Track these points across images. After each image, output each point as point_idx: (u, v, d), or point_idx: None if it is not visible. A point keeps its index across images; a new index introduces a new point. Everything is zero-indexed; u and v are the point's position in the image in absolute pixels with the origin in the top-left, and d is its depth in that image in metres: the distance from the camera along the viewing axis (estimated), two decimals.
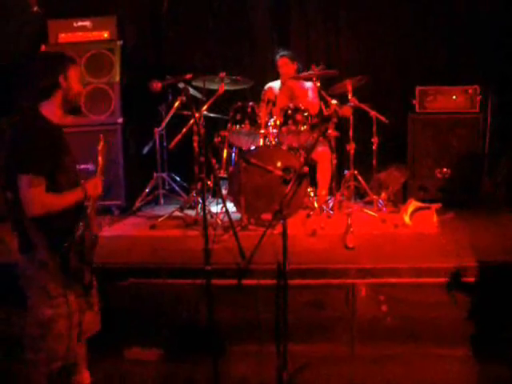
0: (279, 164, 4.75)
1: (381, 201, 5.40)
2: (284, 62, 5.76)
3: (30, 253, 2.65)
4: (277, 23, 6.82)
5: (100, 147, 2.97)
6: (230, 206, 5.18)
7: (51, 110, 2.72)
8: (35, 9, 6.39)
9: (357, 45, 6.58)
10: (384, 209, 5.29)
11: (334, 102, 5.06)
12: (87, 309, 2.84)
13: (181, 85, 5.27)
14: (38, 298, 2.67)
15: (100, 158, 2.97)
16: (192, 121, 4.97)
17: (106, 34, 5.95)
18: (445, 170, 5.75)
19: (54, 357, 2.68)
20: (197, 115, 5.10)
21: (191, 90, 5.39)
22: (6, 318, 3.91)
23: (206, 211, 4.95)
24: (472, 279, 3.69)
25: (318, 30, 6.73)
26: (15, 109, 2.80)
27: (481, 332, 3.61)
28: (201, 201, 5.07)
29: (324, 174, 5.39)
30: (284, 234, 3.11)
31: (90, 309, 2.85)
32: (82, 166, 5.65)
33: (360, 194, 5.79)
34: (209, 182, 5.43)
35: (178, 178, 6.34)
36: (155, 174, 5.97)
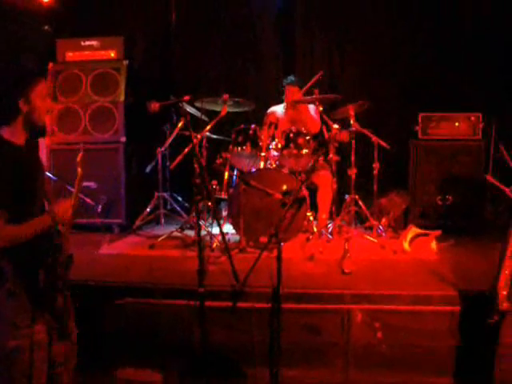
0: (279, 187, 4.75)
1: (381, 226, 5.38)
2: (293, 90, 5.75)
3: None
4: (282, 47, 6.89)
5: (79, 158, 2.85)
6: (230, 228, 5.20)
7: (13, 134, 2.59)
8: (46, 28, 6.51)
9: (360, 71, 6.64)
10: (384, 234, 5.27)
11: (335, 126, 5.10)
12: (60, 339, 2.72)
13: (185, 106, 5.33)
14: (2, 328, 2.54)
15: (79, 169, 2.85)
16: (195, 142, 4.99)
17: (112, 54, 6.03)
18: (446, 196, 5.73)
19: None
20: (198, 136, 5.15)
21: (194, 111, 5.44)
22: None
23: (206, 232, 4.99)
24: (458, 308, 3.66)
25: (323, 55, 6.82)
26: None
27: (469, 362, 3.56)
28: (200, 222, 5.09)
29: (325, 198, 5.38)
30: (278, 257, 3.09)
31: (63, 338, 2.74)
32: (84, 184, 5.70)
33: (361, 219, 5.77)
34: (209, 204, 5.43)
35: (179, 198, 6.36)
36: (156, 194, 5.99)
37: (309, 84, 5.49)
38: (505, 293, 2.67)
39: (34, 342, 2.55)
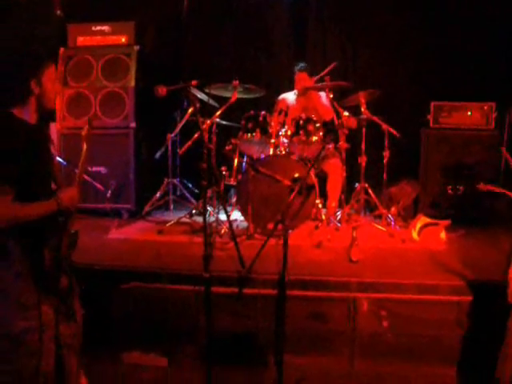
0: (289, 174, 4.72)
1: (390, 215, 5.35)
2: (303, 76, 5.74)
3: (3, 262, 2.53)
4: (294, 34, 6.85)
5: (84, 132, 2.88)
6: (238, 215, 5.20)
7: (26, 114, 2.60)
8: (58, 12, 6.50)
9: (372, 58, 6.57)
10: (393, 223, 5.24)
11: (345, 113, 5.07)
12: (66, 320, 2.72)
13: (195, 91, 5.32)
14: (10, 309, 2.54)
15: (84, 145, 2.88)
16: (202, 128, 4.98)
17: (123, 39, 6.02)
18: (457, 186, 5.68)
19: (23, 372, 2.54)
20: (208, 122, 5.14)
21: (204, 97, 5.42)
22: None
23: (214, 218, 5.00)
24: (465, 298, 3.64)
25: (335, 42, 6.76)
26: None
27: (476, 353, 3.54)
28: (209, 208, 5.10)
29: (334, 186, 5.35)
30: (285, 243, 3.08)
31: (69, 320, 2.74)
32: (94, 169, 5.72)
33: (370, 208, 5.74)
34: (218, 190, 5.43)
35: (189, 185, 6.36)
36: (166, 180, 5.99)
37: (322, 73, 5.44)
38: None
39: (42, 322, 2.55)
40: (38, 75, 2.58)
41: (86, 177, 5.07)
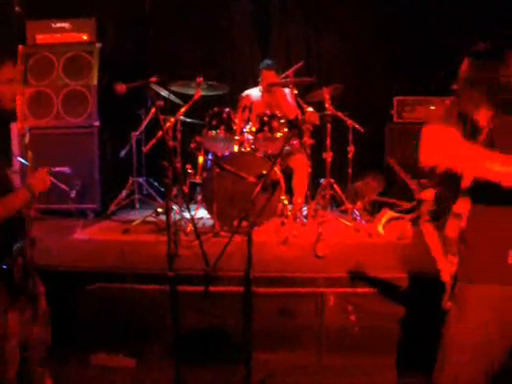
0: (253, 171, 4.71)
1: (356, 210, 5.38)
2: (270, 74, 5.69)
3: None
4: (258, 29, 6.86)
5: (27, 140, 2.88)
6: (205, 213, 5.17)
7: None
8: (16, 9, 6.36)
9: (337, 53, 6.62)
10: (359, 218, 5.28)
11: (309, 109, 5.08)
12: (32, 322, 2.72)
13: (157, 88, 5.27)
14: None
15: (29, 152, 2.86)
16: (166, 126, 4.95)
17: (85, 36, 5.92)
18: (422, 180, 5.73)
19: None
20: (172, 120, 5.10)
21: (168, 94, 5.37)
22: None
23: (180, 217, 4.96)
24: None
25: (299, 37, 6.78)
26: None
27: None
28: (175, 206, 5.06)
29: (300, 182, 5.36)
30: (249, 240, 3.07)
31: (34, 321, 2.73)
32: (57, 169, 5.56)
33: (336, 203, 5.78)
34: (183, 188, 5.40)
35: (155, 183, 6.32)
36: (131, 179, 5.93)
37: (288, 72, 5.41)
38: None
39: (7, 329, 2.52)
40: None
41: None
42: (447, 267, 2.45)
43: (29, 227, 2.68)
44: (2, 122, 2.80)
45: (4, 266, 2.48)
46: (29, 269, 2.64)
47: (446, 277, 2.45)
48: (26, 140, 2.84)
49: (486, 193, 2.17)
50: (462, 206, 2.38)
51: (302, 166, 5.34)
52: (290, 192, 5.37)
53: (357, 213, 5.35)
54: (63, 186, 5.45)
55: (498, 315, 2.26)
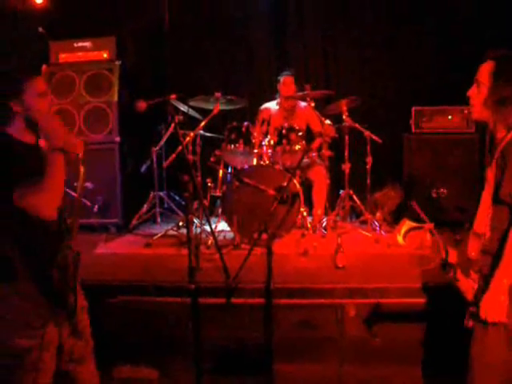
0: (273, 184, 4.76)
1: (375, 221, 5.39)
2: (289, 80, 5.75)
3: (10, 281, 2.50)
4: (275, 44, 6.91)
5: (81, 155, 2.85)
6: (225, 226, 5.22)
7: (20, 133, 2.56)
8: (40, 30, 6.52)
9: (354, 66, 6.66)
10: (378, 229, 5.28)
11: (327, 121, 5.12)
12: (73, 335, 2.72)
13: (177, 104, 5.36)
14: (15, 328, 2.51)
15: (81, 168, 2.84)
16: (185, 141, 5.04)
17: (105, 54, 6.04)
18: (441, 190, 5.74)
19: None
20: (192, 135, 5.18)
21: (187, 110, 5.46)
22: None
23: (201, 230, 5.02)
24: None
25: (316, 51, 6.83)
26: None
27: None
28: (196, 220, 5.12)
29: (320, 194, 5.40)
30: (269, 252, 3.13)
31: (75, 336, 2.72)
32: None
33: (356, 214, 5.79)
34: (204, 201, 5.45)
35: (176, 197, 6.39)
36: (152, 193, 6.01)
37: (313, 95, 5.43)
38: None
39: (44, 342, 2.53)
40: (19, 94, 2.53)
41: (72, 193, 5.07)
42: (470, 285, 2.44)
43: (72, 239, 2.68)
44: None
45: (46, 277, 2.48)
46: (69, 282, 2.62)
47: (469, 296, 2.43)
48: (80, 155, 2.83)
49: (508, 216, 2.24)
50: (482, 225, 2.39)
51: (320, 177, 5.39)
52: (309, 204, 5.40)
53: (376, 223, 5.36)
54: (86, 202, 5.55)
55: None
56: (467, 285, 2.45)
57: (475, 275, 2.44)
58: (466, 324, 2.41)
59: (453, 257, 2.45)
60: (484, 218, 2.39)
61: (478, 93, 2.37)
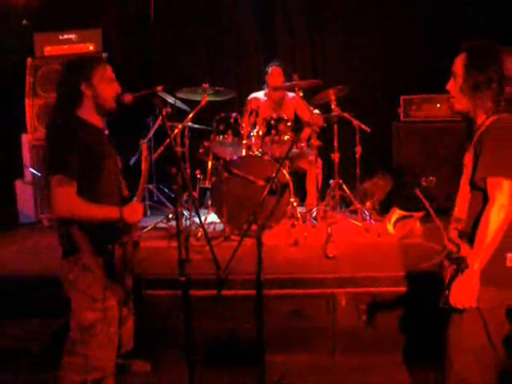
0: (262, 174, 4.74)
1: (365, 210, 5.40)
2: (278, 71, 5.73)
3: (73, 256, 2.62)
4: (262, 34, 6.89)
5: (144, 153, 3.15)
6: (215, 217, 5.21)
7: (88, 114, 2.73)
8: (24, 22, 6.45)
9: (341, 54, 6.65)
10: (368, 218, 5.29)
11: (315, 111, 5.10)
12: (125, 318, 2.87)
13: (164, 96, 5.32)
14: (80, 301, 2.65)
15: (144, 164, 3.09)
16: (173, 133, 5.02)
17: (91, 47, 6.00)
18: (430, 178, 5.73)
19: (91, 365, 2.63)
20: (180, 126, 5.15)
21: (175, 101, 5.42)
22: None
23: (190, 222, 5.00)
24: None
25: (304, 41, 6.82)
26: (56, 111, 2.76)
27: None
28: (185, 212, 5.11)
29: (313, 183, 5.42)
30: (258, 243, 3.09)
31: (127, 318, 2.89)
32: None
33: (346, 204, 5.80)
34: (194, 193, 5.43)
35: (166, 190, 6.36)
36: None
37: (301, 84, 5.40)
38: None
39: (107, 316, 2.65)
40: (87, 78, 2.69)
41: None
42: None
43: (134, 231, 2.84)
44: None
45: (106, 254, 2.62)
46: (128, 267, 2.80)
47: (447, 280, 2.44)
48: (144, 153, 2.98)
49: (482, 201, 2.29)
50: (462, 211, 2.47)
51: (312, 166, 5.38)
52: (299, 194, 5.40)
53: (366, 213, 5.36)
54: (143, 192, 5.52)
55: (495, 317, 2.32)
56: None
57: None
58: (441, 305, 2.43)
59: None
60: (463, 203, 2.43)
61: (456, 85, 2.46)
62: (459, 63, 2.43)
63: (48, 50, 6.02)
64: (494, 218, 2.20)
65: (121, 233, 2.71)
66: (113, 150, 2.90)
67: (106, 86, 2.76)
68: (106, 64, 2.81)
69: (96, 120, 2.77)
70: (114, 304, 2.69)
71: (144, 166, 3.03)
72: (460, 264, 2.34)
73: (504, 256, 2.29)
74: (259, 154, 5.04)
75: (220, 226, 5.18)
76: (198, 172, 5.37)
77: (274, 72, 5.74)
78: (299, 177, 5.46)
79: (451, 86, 2.49)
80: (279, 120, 5.04)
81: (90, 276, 2.62)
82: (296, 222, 5.05)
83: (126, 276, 2.83)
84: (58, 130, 2.63)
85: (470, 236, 2.34)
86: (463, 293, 2.27)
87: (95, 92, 2.71)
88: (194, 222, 5.04)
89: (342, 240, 4.59)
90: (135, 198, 2.87)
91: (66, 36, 6.01)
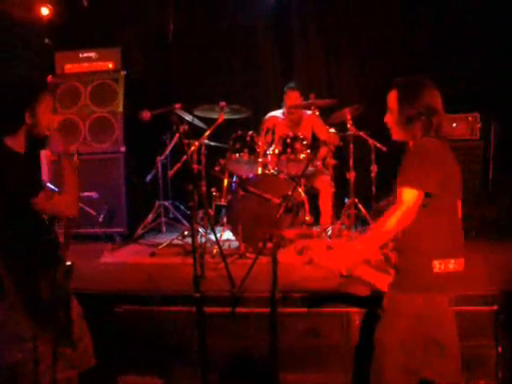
0: (277, 193, 4.76)
1: None
2: (295, 95, 5.74)
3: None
4: (280, 53, 6.95)
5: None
6: (231, 235, 5.22)
7: (15, 143, 2.64)
8: (46, 41, 6.57)
9: (357, 74, 6.68)
10: None
11: (331, 130, 5.12)
12: (78, 340, 2.79)
13: (182, 114, 5.38)
14: (7, 340, 2.57)
15: None
16: (190, 150, 5.06)
17: (110, 65, 6.10)
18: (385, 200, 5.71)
19: None
20: (196, 144, 5.20)
21: (192, 119, 5.47)
22: None
23: (206, 239, 5.02)
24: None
25: (320, 60, 6.87)
26: None
27: None
28: (201, 229, 5.13)
29: (326, 202, 5.41)
30: (273, 261, 3.11)
31: (71, 346, 2.75)
32: (86, 194, 5.73)
33: (361, 222, 5.78)
34: (209, 210, 5.45)
35: (181, 207, 6.40)
36: (157, 203, 6.02)
37: (319, 103, 5.45)
38: None
39: (37, 355, 2.57)
40: (33, 106, 2.62)
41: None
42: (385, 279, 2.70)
43: (65, 257, 2.74)
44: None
45: (33, 290, 2.54)
46: (60, 298, 2.68)
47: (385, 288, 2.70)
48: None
49: None
50: None
51: (325, 186, 5.38)
52: (314, 213, 5.39)
53: None
54: (91, 211, 5.57)
55: (423, 323, 2.47)
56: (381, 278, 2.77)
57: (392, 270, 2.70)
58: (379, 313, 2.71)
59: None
60: None
61: (392, 118, 2.71)
62: (392, 98, 2.67)
63: (68, 67, 6.15)
64: (393, 220, 2.45)
65: (49, 264, 2.65)
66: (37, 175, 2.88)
67: (46, 116, 2.70)
68: (49, 94, 2.78)
69: (21, 148, 2.67)
70: (44, 342, 2.59)
71: None
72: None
73: (431, 263, 2.46)
74: (275, 173, 5.05)
75: (235, 244, 5.19)
76: (213, 189, 5.40)
77: (291, 96, 5.75)
78: (315, 196, 5.46)
79: (388, 119, 2.75)
80: (295, 138, 5.06)
81: (18, 315, 2.55)
82: (311, 241, 5.04)
83: (60, 306, 2.69)
84: None
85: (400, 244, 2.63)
86: (337, 257, 2.63)
87: (35, 121, 2.64)
88: (209, 239, 5.05)
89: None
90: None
91: (85, 54, 6.13)
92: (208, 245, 5.00)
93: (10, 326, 2.56)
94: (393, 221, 2.44)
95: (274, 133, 5.34)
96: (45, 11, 6.40)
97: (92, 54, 6.11)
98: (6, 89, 2.69)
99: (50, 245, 2.69)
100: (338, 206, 5.71)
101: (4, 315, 2.56)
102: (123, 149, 5.93)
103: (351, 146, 5.40)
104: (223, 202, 5.31)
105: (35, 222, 2.65)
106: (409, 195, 2.42)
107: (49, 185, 5.48)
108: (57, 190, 5.30)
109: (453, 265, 2.50)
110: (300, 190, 4.95)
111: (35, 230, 2.64)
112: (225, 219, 5.26)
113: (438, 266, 2.47)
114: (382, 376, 2.59)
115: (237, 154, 5.13)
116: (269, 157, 5.11)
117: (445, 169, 2.48)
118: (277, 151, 5.08)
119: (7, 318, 2.56)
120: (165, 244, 5.27)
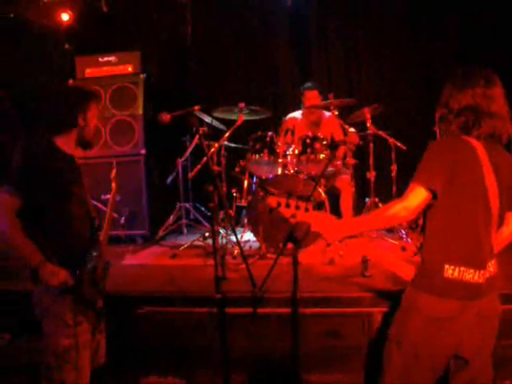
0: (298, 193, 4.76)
1: (402, 229, 5.35)
2: (314, 95, 5.73)
3: (41, 285, 2.64)
4: (298, 53, 6.96)
5: (113, 174, 3.22)
6: (251, 235, 5.23)
7: (65, 143, 2.80)
8: (67, 46, 6.66)
9: (377, 73, 6.66)
10: (405, 237, 5.24)
11: (351, 129, 5.11)
12: (98, 333, 2.91)
13: (201, 115, 5.40)
14: (54, 327, 2.69)
15: (113, 185, 3.20)
16: (210, 152, 5.08)
17: (130, 68, 6.15)
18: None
19: None
20: (216, 145, 5.22)
21: (212, 121, 5.49)
22: (26, 347, 3.96)
23: (226, 240, 5.04)
24: None
25: (339, 60, 6.86)
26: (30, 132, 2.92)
27: None
28: (221, 230, 5.14)
29: (347, 202, 5.39)
30: (294, 261, 3.12)
31: (100, 333, 2.93)
32: (107, 197, 5.74)
33: None
34: (229, 212, 5.46)
35: (202, 208, 6.43)
36: (178, 204, 6.06)
37: (338, 103, 5.42)
38: None
39: (79, 341, 2.70)
40: (86, 110, 2.81)
41: (99, 205, 5.15)
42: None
43: (103, 249, 2.91)
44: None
45: (76, 279, 2.64)
46: (99, 288, 2.84)
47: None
48: (112, 174, 3.30)
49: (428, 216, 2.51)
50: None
51: (346, 186, 5.37)
52: (335, 213, 5.38)
53: (403, 231, 5.32)
54: (113, 214, 5.60)
55: (433, 323, 2.41)
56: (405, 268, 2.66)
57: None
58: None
59: None
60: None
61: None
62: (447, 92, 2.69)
63: (88, 71, 6.21)
64: (393, 211, 2.43)
65: (89, 257, 2.75)
66: (81, 179, 2.92)
67: (94, 121, 2.90)
68: (99, 101, 3.00)
69: (71, 150, 2.85)
70: (85, 328, 2.74)
71: (113, 189, 3.22)
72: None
73: (442, 266, 2.40)
74: (295, 173, 5.05)
75: (256, 245, 5.20)
76: (234, 190, 5.42)
77: (310, 96, 5.74)
78: (335, 196, 5.44)
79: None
80: (315, 139, 5.04)
81: (62, 302, 2.66)
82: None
83: (97, 298, 2.87)
84: (27, 151, 2.70)
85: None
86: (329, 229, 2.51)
87: (87, 125, 2.84)
88: (230, 240, 5.07)
89: (379, 259, 4.55)
90: (104, 225, 3.01)
91: (105, 58, 6.18)
92: (229, 246, 5.03)
93: (59, 312, 2.68)
94: (392, 211, 2.44)
95: (293, 133, 5.33)
96: (65, 17, 6.49)
97: (112, 58, 6.16)
98: (65, 94, 2.91)
99: (92, 241, 2.81)
100: (359, 205, 5.69)
101: (51, 304, 2.68)
102: (144, 151, 5.97)
103: (371, 145, 5.39)
104: (244, 203, 5.33)
105: (76, 219, 2.78)
106: (413, 190, 2.42)
107: None
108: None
109: (472, 275, 2.39)
110: (320, 190, 4.93)
111: (82, 225, 2.81)
112: (245, 220, 5.27)
113: (450, 271, 2.39)
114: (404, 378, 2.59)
115: (257, 155, 5.14)
116: (289, 157, 5.11)
117: (455, 169, 2.39)
118: (296, 151, 5.07)
119: (53, 305, 2.67)
120: (186, 245, 5.29)
